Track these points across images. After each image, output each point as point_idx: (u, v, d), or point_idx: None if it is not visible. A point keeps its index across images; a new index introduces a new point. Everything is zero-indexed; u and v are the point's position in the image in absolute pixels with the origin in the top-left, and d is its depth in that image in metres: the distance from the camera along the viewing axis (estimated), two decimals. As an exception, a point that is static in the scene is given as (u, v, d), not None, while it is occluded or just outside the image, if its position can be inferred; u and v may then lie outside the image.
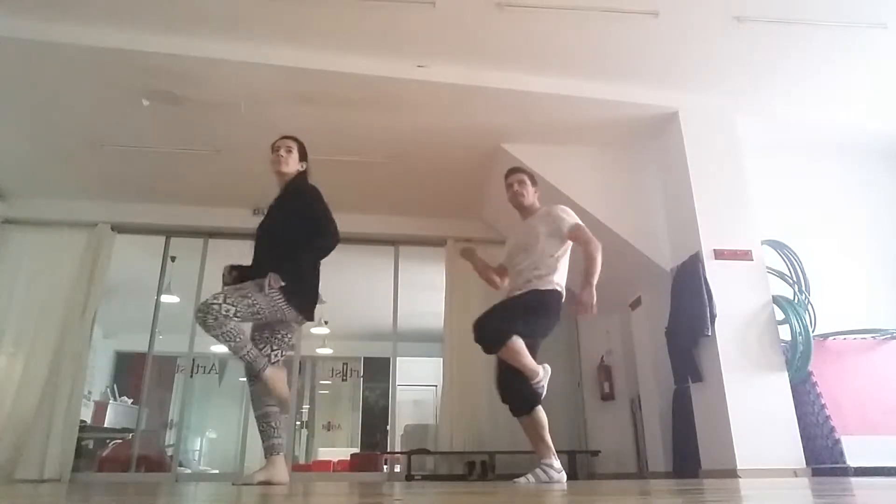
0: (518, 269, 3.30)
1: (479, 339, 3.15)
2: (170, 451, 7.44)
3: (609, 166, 5.32)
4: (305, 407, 11.95)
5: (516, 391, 3.19)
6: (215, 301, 2.82)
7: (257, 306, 2.92)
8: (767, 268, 4.57)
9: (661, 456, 4.96)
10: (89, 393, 7.84)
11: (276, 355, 3.12)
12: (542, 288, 3.21)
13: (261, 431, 3.07)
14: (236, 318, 2.85)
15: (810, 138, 5.33)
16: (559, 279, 3.25)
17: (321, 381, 12.48)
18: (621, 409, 5.90)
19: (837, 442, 3.93)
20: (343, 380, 12.06)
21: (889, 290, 5.01)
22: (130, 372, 9.98)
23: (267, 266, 3.01)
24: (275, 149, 3.27)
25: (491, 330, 3.14)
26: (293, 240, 3.07)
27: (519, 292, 3.24)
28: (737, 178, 4.76)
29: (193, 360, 7.28)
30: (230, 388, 11.48)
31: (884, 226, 5.31)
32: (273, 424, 3.07)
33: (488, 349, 3.15)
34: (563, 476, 3.07)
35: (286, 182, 3.27)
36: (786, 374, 4.19)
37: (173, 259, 6.69)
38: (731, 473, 3.87)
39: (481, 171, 5.78)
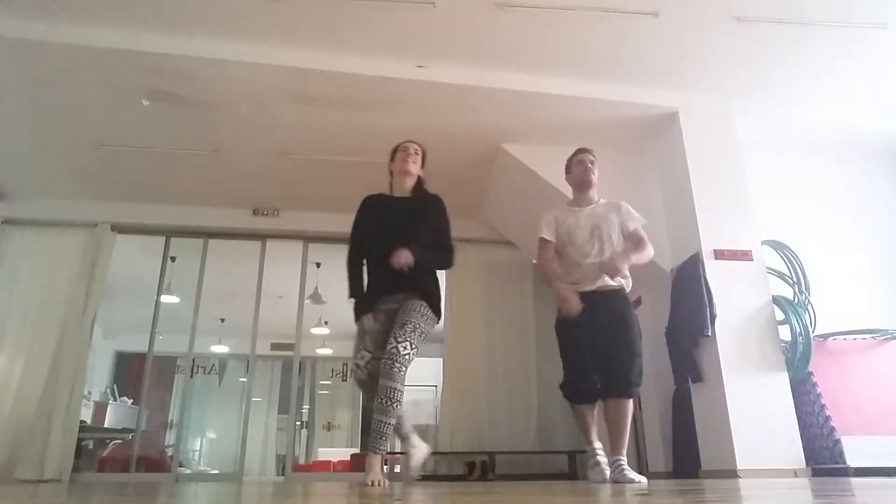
0: (589, 262, 3.18)
1: (629, 392, 3.09)
2: (170, 452, 7.44)
3: (609, 166, 5.26)
4: (305, 407, 11.96)
5: (622, 365, 3.06)
6: (406, 351, 2.76)
7: (424, 335, 2.88)
8: (767, 268, 4.57)
9: (661, 456, 4.95)
10: (89, 393, 7.84)
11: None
12: (627, 290, 3.23)
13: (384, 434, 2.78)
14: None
15: (810, 138, 5.32)
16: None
17: (321, 381, 12.49)
18: (621, 409, 5.89)
19: (837, 442, 3.93)
20: (343, 380, 12.07)
21: (889, 290, 5.00)
22: (130, 372, 10.00)
23: (420, 281, 2.93)
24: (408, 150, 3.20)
25: (638, 376, 3.10)
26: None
27: (616, 286, 3.16)
28: (737, 178, 4.76)
29: (193, 360, 7.28)
30: (230, 388, 11.50)
31: (884, 226, 5.30)
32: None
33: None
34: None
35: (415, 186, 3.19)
36: (786, 374, 4.19)
37: (173, 259, 6.70)
38: (731, 473, 3.87)
39: (481, 171, 5.78)
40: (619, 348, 3.07)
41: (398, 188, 3.19)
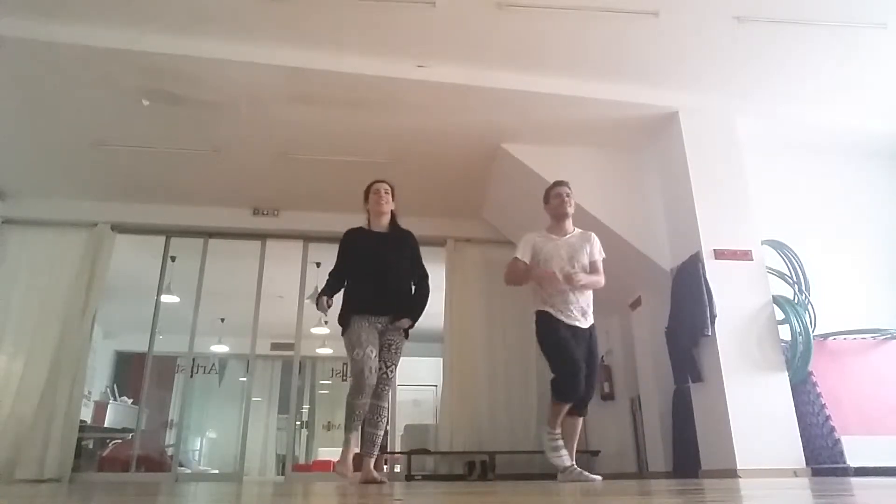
0: (562, 287, 3.46)
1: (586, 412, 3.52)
2: (170, 451, 7.44)
3: (609, 166, 5.32)
4: (305, 407, 11.96)
5: (590, 389, 3.47)
6: (391, 372, 3.42)
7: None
8: (767, 268, 4.57)
9: (661, 456, 4.96)
10: (89, 393, 7.84)
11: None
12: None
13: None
14: None
15: (810, 138, 5.32)
16: None
17: (321, 381, 12.49)
18: (621, 409, 5.90)
19: (837, 442, 3.93)
20: (343, 380, 12.06)
21: (889, 290, 5.00)
22: (130, 372, 9.99)
23: (402, 307, 3.50)
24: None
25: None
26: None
27: (587, 326, 3.50)
28: (737, 178, 4.76)
29: (193, 360, 7.28)
30: (230, 388, 11.50)
31: (884, 226, 5.30)
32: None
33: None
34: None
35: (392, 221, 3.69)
36: (786, 374, 4.19)
37: (173, 259, 6.69)
38: (731, 473, 3.87)
39: (481, 171, 5.78)
40: (591, 375, 3.45)
41: (376, 224, 3.63)
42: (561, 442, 3.42)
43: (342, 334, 3.44)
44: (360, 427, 3.33)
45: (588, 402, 3.45)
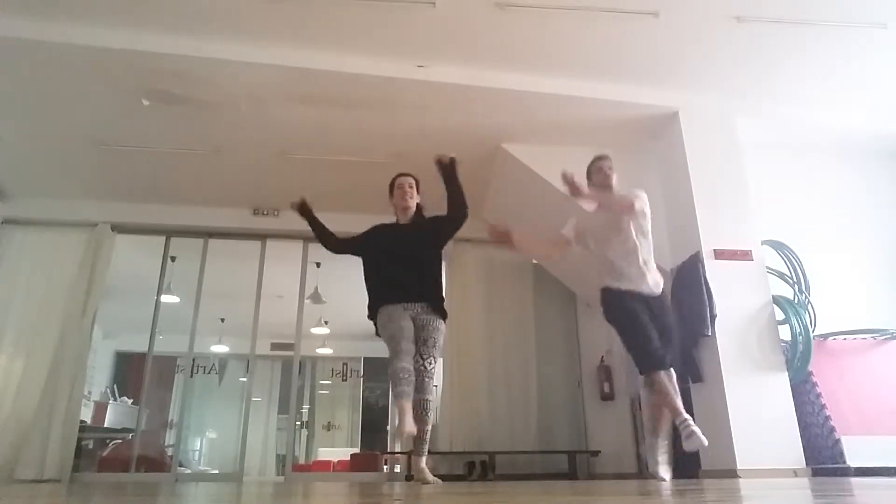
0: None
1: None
2: (170, 451, 7.44)
3: (609, 166, 5.31)
4: (305, 407, 11.97)
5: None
6: (433, 365, 3.31)
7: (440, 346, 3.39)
8: (767, 268, 4.57)
9: (661, 456, 4.95)
10: (89, 393, 7.84)
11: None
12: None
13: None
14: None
15: (810, 138, 5.32)
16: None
17: (321, 381, 12.49)
18: (621, 409, 5.90)
19: (837, 442, 3.93)
20: (343, 380, 12.08)
21: (889, 290, 5.00)
22: (130, 372, 10.00)
23: (434, 294, 3.43)
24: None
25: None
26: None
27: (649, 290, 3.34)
28: (737, 178, 4.76)
29: (193, 360, 7.27)
30: (230, 388, 11.51)
31: (884, 226, 5.30)
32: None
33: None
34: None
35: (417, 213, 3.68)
36: (786, 374, 4.19)
37: (173, 259, 6.70)
38: (731, 473, 3.87)
39: (482, 171, 5.78)
40: (667, 338, 3.26)
41: (402, 218, 3.65)
42: (665, 452, 3.26)
43: (375, 329, 3.38)
44: (408, 391, 3.07)
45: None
